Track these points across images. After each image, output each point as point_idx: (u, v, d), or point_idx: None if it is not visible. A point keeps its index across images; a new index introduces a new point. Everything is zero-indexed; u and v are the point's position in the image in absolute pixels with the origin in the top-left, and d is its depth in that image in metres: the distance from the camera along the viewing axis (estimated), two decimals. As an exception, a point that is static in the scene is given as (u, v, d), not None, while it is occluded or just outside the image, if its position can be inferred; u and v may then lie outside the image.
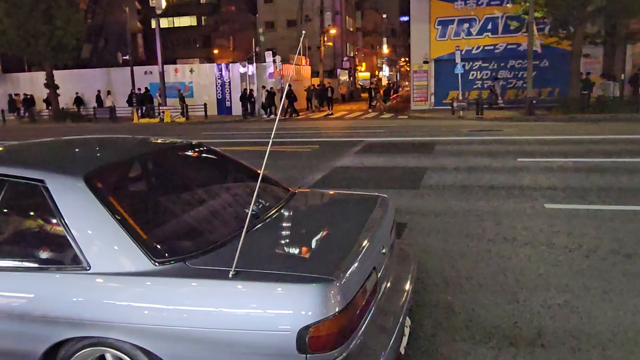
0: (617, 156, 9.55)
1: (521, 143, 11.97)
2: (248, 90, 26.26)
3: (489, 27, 25.11)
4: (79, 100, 28.57)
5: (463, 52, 23.14)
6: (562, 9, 19.34)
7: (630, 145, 10.85)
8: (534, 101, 20.04)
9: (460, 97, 21.93)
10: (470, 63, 25.23)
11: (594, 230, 5.14)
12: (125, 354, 2.10)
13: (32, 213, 2.53)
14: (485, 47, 25.28)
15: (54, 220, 2.28)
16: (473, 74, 25.72)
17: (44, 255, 2.34)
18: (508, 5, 23.31)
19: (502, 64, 25.42)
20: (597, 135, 12.84)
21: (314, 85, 31.96)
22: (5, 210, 2.44)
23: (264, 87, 26.39)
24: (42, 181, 2.34)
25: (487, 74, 25.73)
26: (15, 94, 29.76)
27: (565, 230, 5.17)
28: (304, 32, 3.64)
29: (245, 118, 25.55)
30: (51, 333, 2.14)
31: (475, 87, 25.45)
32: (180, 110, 25.99)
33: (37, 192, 2.33)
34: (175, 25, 63.97)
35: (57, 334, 2.14)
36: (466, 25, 25.40)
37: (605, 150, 10.28)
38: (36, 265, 2.30)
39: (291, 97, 25.33)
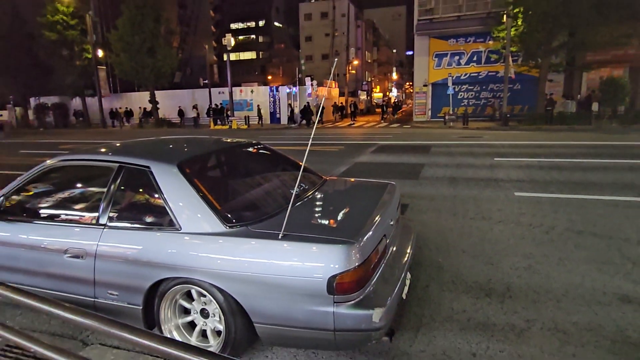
0: (572, 157, 9.12)
1: (497, 146, 11.56)
2: (307, 105, 25.77)
3: (474, 58, 24.42)
4: (181, 112, 29.31)
5: (453, 78, 22.60)
6: (532, 45, 18.71)
7: (583, 150, 10.34)
8: (508, 115, 19.43)
9: (451, 112, 21.47)
10: (459, 86, 24.60)
11: (553, 213, 4.95)
12: (205, 290, 2.17)
13: (141, 190, 2.60)
14: (471, 74, 24.59)
15: (156, 195, 2.35)
16: (461, 95, 25.04)
17: (149, 219, 2.41)
18: (490, 42, 22.60)
19: (484, 87, 24.68)
20: (557, 142, 12.28)
21: (335, 102, 32.08)
22: (122, 188, 2.53)
23: (289, 105, 26.11)
24: (148, 167, 2.42)
25: (472, 94, 25.05)
26: (119, 108, 30.73)
27: (530, 213, 5.00)
28: (335, 60, 3.61)
29: (308, 126, 24.70)
30: (153, 274, 2.22)
31: (462, 104, 24.74)
32: (257, 120, 26.31)
33: (145, 175, 2.41)
34: (241, 58, 64.81)
35: (157, 275, 2.22)
36: (457, 57, 24.74)
37: (563, 153, 9.84)
38: (144, 226, 2.37)
39: (308, 111, 24.88)
